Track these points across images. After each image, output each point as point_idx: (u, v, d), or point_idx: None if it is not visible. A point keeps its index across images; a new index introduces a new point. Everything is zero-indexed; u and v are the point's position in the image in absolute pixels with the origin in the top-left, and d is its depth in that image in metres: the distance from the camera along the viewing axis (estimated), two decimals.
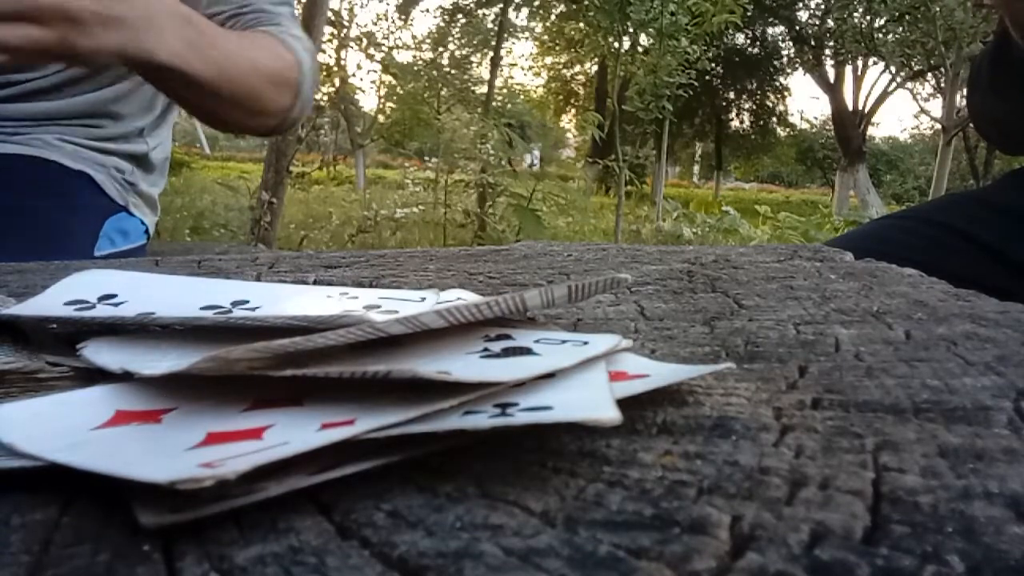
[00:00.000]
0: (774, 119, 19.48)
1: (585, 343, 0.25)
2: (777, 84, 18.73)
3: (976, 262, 0.78)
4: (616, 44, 5.75)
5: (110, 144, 0.97)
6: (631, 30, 5.57)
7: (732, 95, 19.07)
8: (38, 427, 0.21)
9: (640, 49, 6.82)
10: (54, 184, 0.91)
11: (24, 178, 0.88)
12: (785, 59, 17.65)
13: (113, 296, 0.33)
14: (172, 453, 0.19)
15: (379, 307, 0.32)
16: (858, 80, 15.68)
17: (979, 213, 0.85)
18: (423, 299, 0.34)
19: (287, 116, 0.93)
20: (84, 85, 0.94)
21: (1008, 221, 0.82)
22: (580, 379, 0.23)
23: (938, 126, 12.91)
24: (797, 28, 16.01)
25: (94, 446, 0.20)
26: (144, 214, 1.02)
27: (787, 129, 20.14)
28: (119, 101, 0.98)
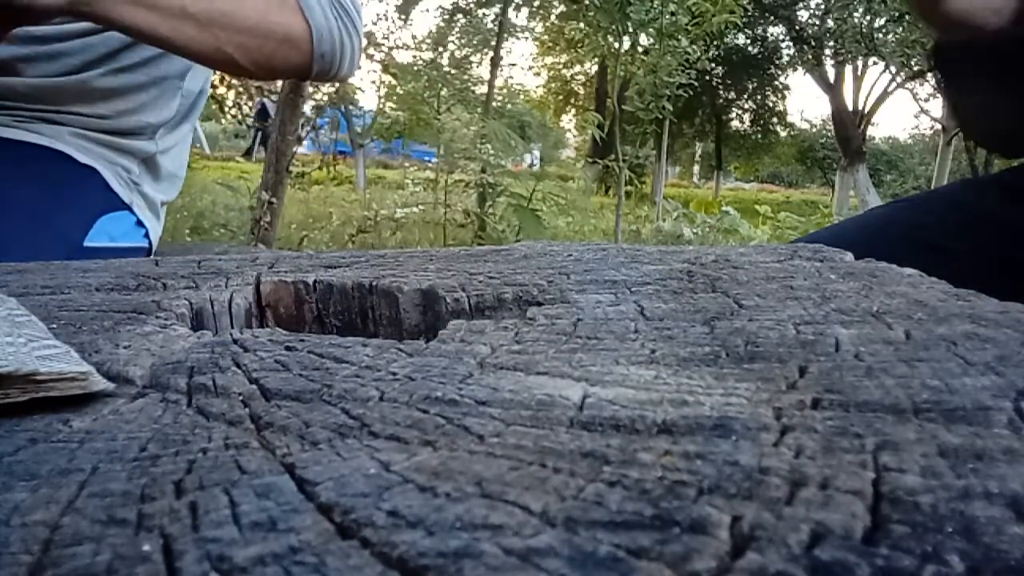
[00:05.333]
0: (774, 119, 19.48)
1: None
2: (777, 84, 18.73)
3: (1000, 240, 0.79)
4: (616, 44, 5.75)
5: (120, 139, 0.98)
6: (631, 30, 5.57)
7: (732, 95, 19.07)
8: None
9: (640, 49, 6.81)
10: (57, 173, 0.92)
11: (28, 164, 0.90)
12: (785, 59, 17.65)
13: None
14: None
15: None
16: (858, 80, 15.68)
17: (996, 193, 0.85)
18: None
19: (299, 71, 0.95)
20: (100, 68, 0.95)
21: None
22: None
23: (938, 126, 12.91)
24: (797, 28, 16.00)
25: None
26: (147, 218, 1.03)
27: (787, 129, 20.14)
28: (135, 91, 0.99)
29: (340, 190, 9.33)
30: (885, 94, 15.48)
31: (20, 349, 0.28)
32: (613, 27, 5.35)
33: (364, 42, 1.04)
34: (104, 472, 0.21)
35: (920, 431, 0.21)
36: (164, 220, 1.11)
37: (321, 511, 0.18)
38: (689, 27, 5.71)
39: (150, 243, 1.04)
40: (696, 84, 6.83)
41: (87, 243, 0.93)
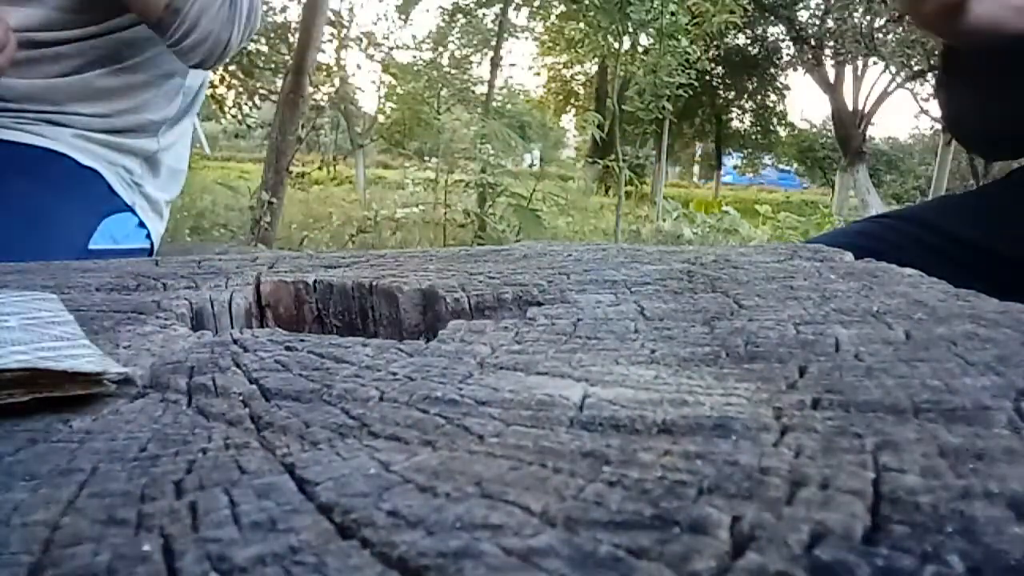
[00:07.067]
0: (774, 119, 19.48)
1: None
2: (777, 84, 18.74)
3: (963, 262, 0.78)
4: (616, 44, 5.75)
5: (123, 139, 0.98)
6: (631, 30, 5.57)
7: (732, 95, 19.07)
8: None
9: (640, 49, 6.82)
10: (59, 176, 0.92)
11: (31, 167, 0.90)
12: (785, 59, 17.65)
13: None
14: None
15: None
16: (858, 80, 15.67)
17: (969, 212, 0.85)
18: None
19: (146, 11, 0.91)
20: (101, 68, 0.95)
21: (997, 219, 0.82)
22: None
23: (938, 126, 12.91)
24: (797, 28, 16.00)
25: None
26: (149, 218, 1.03)
27: (787, 129, 20.14)
28: (137, 90, 0.99)
29: (340, 190, 9.34)
30: (885, 94, 15.48)
31: (29, 348, 0.28)
32: (613, 27, 5.36)
33: (246, 40, 1.00)
34: (104, 472, 0.21)
35: (920, 431, 0.21)
36: (167, 219, 1.10)
37: (321, 511, 0.18)
38: (689, 27, 5.72)
39: (151, 244, 1.04)
40: (696, 84, 6.84)
41: (91, 246, 0.93)
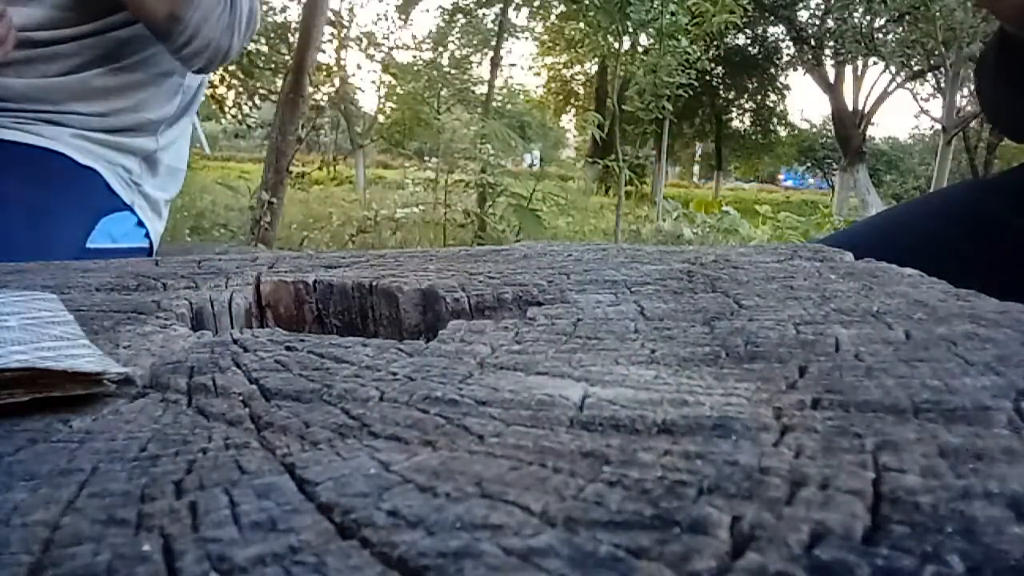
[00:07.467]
0: (774, 119, 19.50)
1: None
2: (777, 84, 18.75)
3: (991, 239, 0.79)
4: (616, 44, 5.76)
5: (122, 138, 0.98)
6: (631, 30, 5.57)
7: (732, 95, 19.08)
8: None
9: (640, 49, 6.83)
10: (58, 175, 0.92)
11: (29, 166, 0.90)
12: (785, 59, 17.66)
13: None
14: None
15: None
16: (858, 80, 15.68)
17: (992, 195, 0.86)
18: None
19: (164, 22, 0.91)
20: (99, 67, 0.95)
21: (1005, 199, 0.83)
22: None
23: (938, 126, 12.91)
24: (797, 28, 16.01)
25: None
26: (148, 218, 1.03)
27: (787, 129, 20.16)
28: (135, 89, 0.99)
29: (340, 190, 9.34)
30: (885, 94, 15.48)
31: (29, 348, 0.28)
32: (613, 27, 5.36)
33: (245, 45, 1.01)
34: (104, 472, 0.21)
35: (920, 431, 0.21)
36: (167, 218, 1.11)
37: (321, 511, 0.18)
38: (689, 27, 5.72)
39: (151, 243, 1.04)
40: (696, 84, 6.84)
41: (89, 244, 0.93)
